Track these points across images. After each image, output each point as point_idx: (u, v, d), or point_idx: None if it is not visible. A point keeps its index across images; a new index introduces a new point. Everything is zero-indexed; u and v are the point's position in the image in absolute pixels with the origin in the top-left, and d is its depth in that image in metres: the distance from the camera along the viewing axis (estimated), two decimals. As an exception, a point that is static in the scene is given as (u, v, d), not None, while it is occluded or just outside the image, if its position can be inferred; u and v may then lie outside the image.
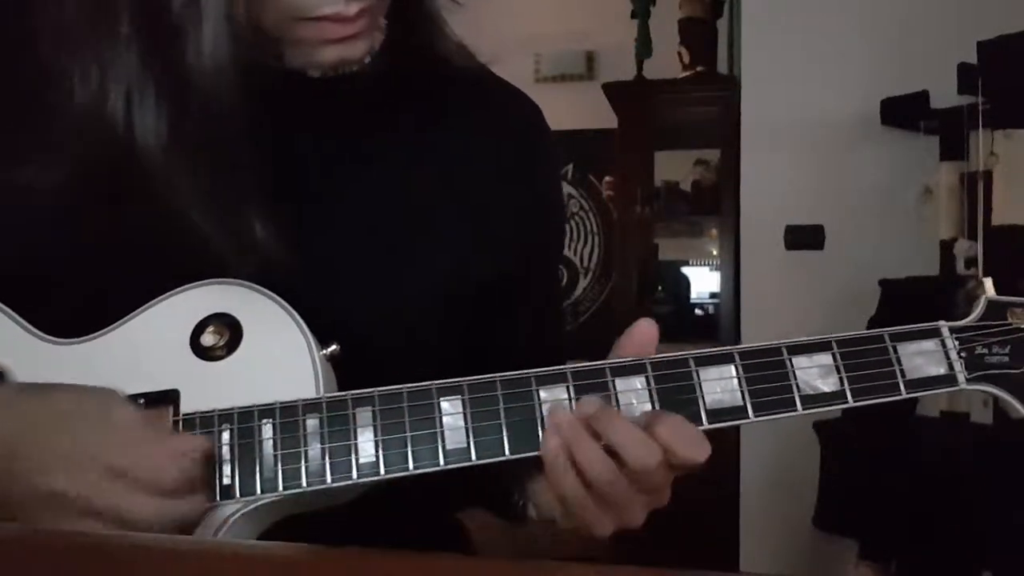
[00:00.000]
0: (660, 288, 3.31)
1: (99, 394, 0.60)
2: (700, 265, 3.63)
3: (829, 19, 2.49)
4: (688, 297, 3.54)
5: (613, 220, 3.33)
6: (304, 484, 0.61)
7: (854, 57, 2.46)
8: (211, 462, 0.60)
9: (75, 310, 0.66)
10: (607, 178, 3.77)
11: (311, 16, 0.64)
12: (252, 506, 0.61)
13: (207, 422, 0.62)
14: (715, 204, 3.03)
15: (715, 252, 3.30)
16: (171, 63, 0.62)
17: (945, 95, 2.14)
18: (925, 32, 2.37)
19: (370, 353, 0.67)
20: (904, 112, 2.32)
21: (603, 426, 0.61)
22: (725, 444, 2.67)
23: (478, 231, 0.75)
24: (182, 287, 0.65)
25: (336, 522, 0.60)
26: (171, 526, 0.58)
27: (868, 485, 2.05)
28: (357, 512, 0.63)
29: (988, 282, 0.71)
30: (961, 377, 0.68)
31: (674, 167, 3.37)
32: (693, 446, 0.61)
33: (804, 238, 2.47)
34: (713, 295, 3.43)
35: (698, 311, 3.54)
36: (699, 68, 3.04)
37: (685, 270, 3.61)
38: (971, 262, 2.02)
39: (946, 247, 2.14)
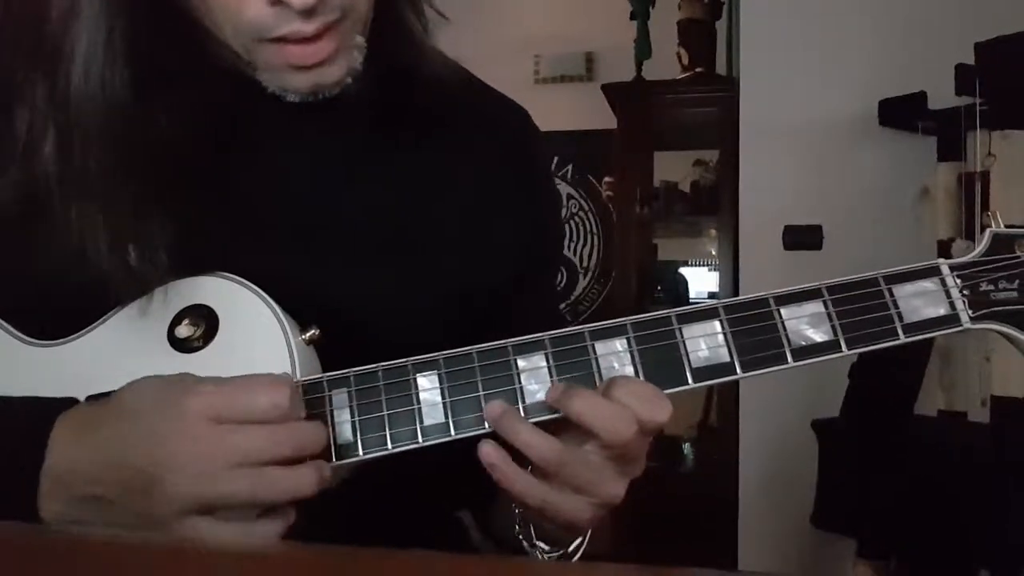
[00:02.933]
0: (659, 288, 3.31)
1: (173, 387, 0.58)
2: (699, 265, 3.63)
3: (827, 20, 2.50)
4: (687, 297, 3.54)
5: (613, 220, 3.33)
6: None
7: (852, 58, 2.46)
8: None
9: (51, 319, 0.65)
10: (607, 178, 3.77)
11: (270, 37, 0.62)
12: None
13: None
14: (714, 204, 3.03)
15: (714, 252, 3.30)
16: (57, 91, 0.62)
17: (943, 96, 2.14)
18: (923, 33, 2.38)
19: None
20: (902, 113, 2.33)
21: (572, 406, 0.60)
22: (724, 443, 2.67)
23: (473, 242, 0.75)
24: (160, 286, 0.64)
25: (335, 521, 0.60)
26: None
27: (866, 484, 2.05)
28: (356, 510, 0.63)
29: (995, 214, 0.66)
30: (964, 316, 0.63)
31: (673, 167, 3.36)
32: (653, 406, 0.60)
33: (802, 238, 2.48)
34: (712, 295, 3.43)
35: (697, 311, 3.53)
36: (698, 69, 3.04)
37: (684, 270, 3.61)
38: (969, 262, 2.02)
39: (944, 247, 2.14)
